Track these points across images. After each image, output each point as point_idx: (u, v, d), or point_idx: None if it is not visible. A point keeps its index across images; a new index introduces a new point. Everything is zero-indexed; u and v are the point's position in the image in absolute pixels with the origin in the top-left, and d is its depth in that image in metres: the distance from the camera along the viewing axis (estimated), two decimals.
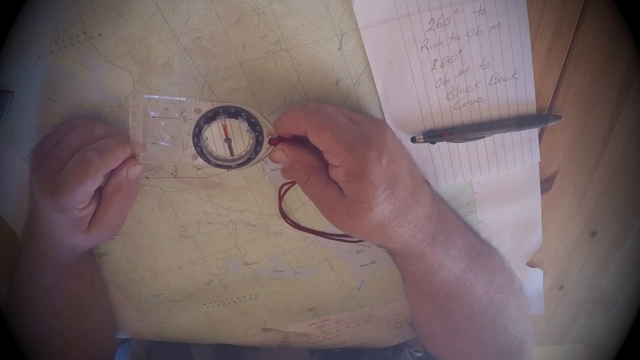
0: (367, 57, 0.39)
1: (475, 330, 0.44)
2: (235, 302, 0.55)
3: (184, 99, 0.37)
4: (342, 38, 0.38)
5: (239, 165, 0.39)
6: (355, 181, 0.34)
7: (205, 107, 0.36)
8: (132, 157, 0.38)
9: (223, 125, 0.38)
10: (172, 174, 0.45)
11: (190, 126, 0.37)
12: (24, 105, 0.41)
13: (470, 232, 0.43)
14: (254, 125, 0.37)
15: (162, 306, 0.55)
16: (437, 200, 0.41)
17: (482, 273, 0.42)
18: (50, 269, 0.44)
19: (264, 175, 0.45)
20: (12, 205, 0.47)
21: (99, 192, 0.40)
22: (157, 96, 0.37)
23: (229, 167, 0.39)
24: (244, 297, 0.54)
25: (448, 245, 0.39)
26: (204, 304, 0.55)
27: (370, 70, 0.40)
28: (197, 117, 0.37)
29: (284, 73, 0.40)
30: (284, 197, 0.46)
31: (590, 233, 0.54)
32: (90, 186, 0.37)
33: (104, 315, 0.54)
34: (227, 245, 0.50)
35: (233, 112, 0.36)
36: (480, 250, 0.43)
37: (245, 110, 0.37)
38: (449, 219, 0.41)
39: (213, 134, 0.39)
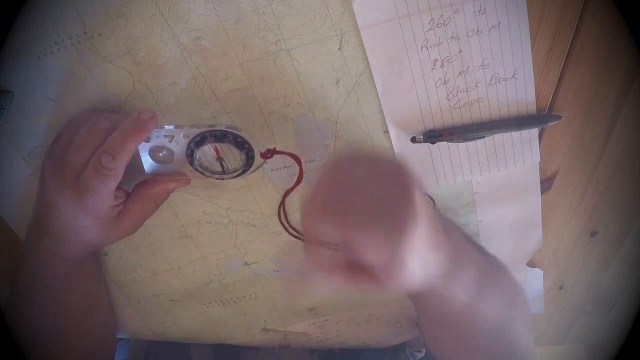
0: (367, 57, 0.39)
1: (484, 346, 0.44)
2: (235, 302, 0.55)
3: (172, 127, 0.38)
4: (342, 38, 0.38)
5: (234, 177, 0.41)
6: (390, 270, 0.31)
7: (193, 132, 0.38)
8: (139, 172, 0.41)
9: (213, 146, 0.40)
10: None
11: (182, 148, 0.39)
12: (24, 105, 0.41)
13: (477, 251, 0.42)
14: (241, 144, 0.38)
15: (162, 306, 0.55)
16: (450, 233, 0.38)
17: (491, 294, 0.41)
18: (62, 270, 0.44)
19: (264, 175, 0.45)
20: (12, 206, 0.47)
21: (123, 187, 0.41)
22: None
23: (225, 178, 0.41)
24: (244, 297, 0.54)
25: (461, 278, 0.38)
26: (204, 304, 0.55)
27: (370, 70, 0.40)
28: (187, 141, 0.38)
29: (284, 73, 0.40)
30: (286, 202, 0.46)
31: (590, 233, 0.54)
32: (113, 183, 0.38)
33: (108, 315, 0.54)
34: (227, 245, 0.50)
35: (219, 136, 0.38)
36: (488, 270, 0.42)
37: (230, 132, 0.38)
38: (461, 249, 0.39)
39: (205, 153, 0.40)
